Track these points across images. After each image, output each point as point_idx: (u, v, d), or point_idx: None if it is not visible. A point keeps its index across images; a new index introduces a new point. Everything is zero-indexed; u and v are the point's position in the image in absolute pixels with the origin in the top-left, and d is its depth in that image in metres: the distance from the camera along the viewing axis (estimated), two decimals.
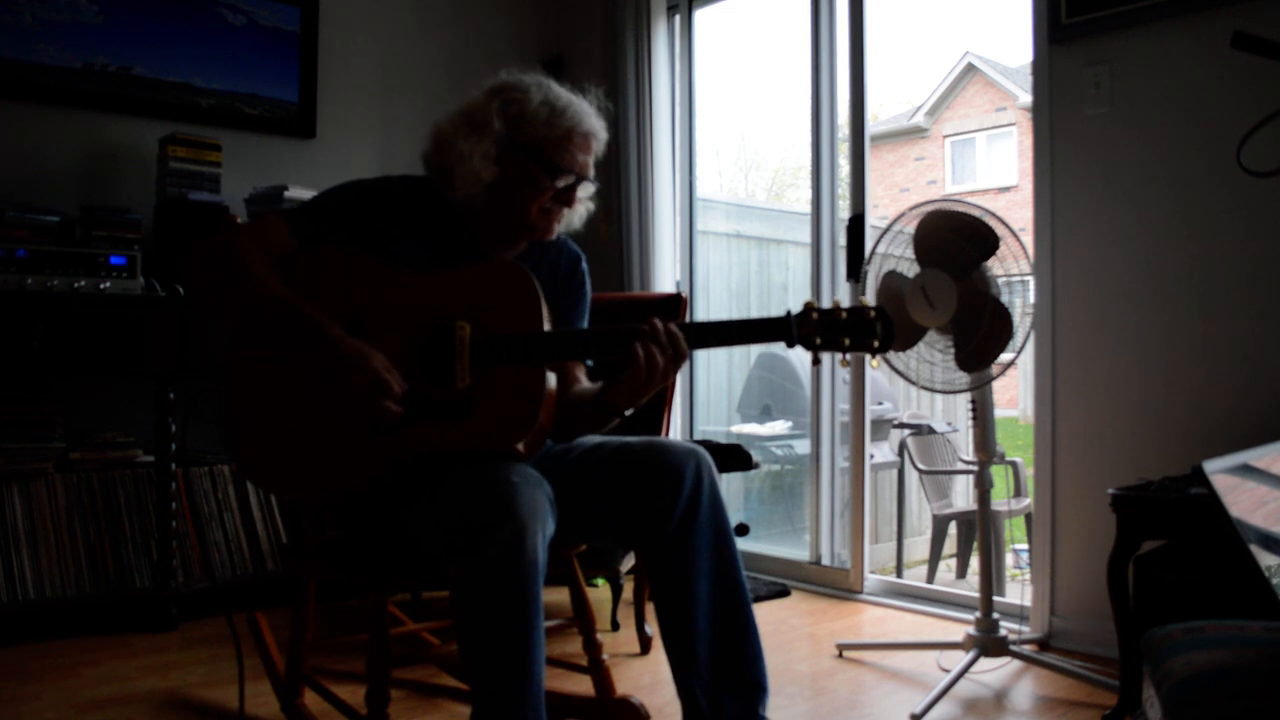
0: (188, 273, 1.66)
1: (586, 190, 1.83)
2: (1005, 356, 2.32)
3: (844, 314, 1.58)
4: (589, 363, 1.89)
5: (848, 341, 1.57)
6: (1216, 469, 1.21)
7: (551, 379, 1.62)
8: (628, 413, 1.67)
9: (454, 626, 1.59)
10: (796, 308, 1.60)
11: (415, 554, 1.69)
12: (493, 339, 1.59)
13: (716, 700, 1.64)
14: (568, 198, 1.76)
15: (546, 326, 1.64)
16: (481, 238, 1.80)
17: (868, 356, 1.60)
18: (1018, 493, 4.48)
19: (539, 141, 1.72)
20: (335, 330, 1.57)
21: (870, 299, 2.43)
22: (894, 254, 2.44)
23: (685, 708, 1.68)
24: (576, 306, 1.90)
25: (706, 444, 3.35)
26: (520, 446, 1.58)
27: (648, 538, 1.66)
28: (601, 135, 1.80)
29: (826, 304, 1.62)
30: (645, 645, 2.61)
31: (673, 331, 1.58)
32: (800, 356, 4.34)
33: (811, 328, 1.58)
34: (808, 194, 3.42)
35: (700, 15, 3.76)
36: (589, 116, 1.77)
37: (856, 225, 3.14)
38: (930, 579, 4.60)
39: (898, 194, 14.89)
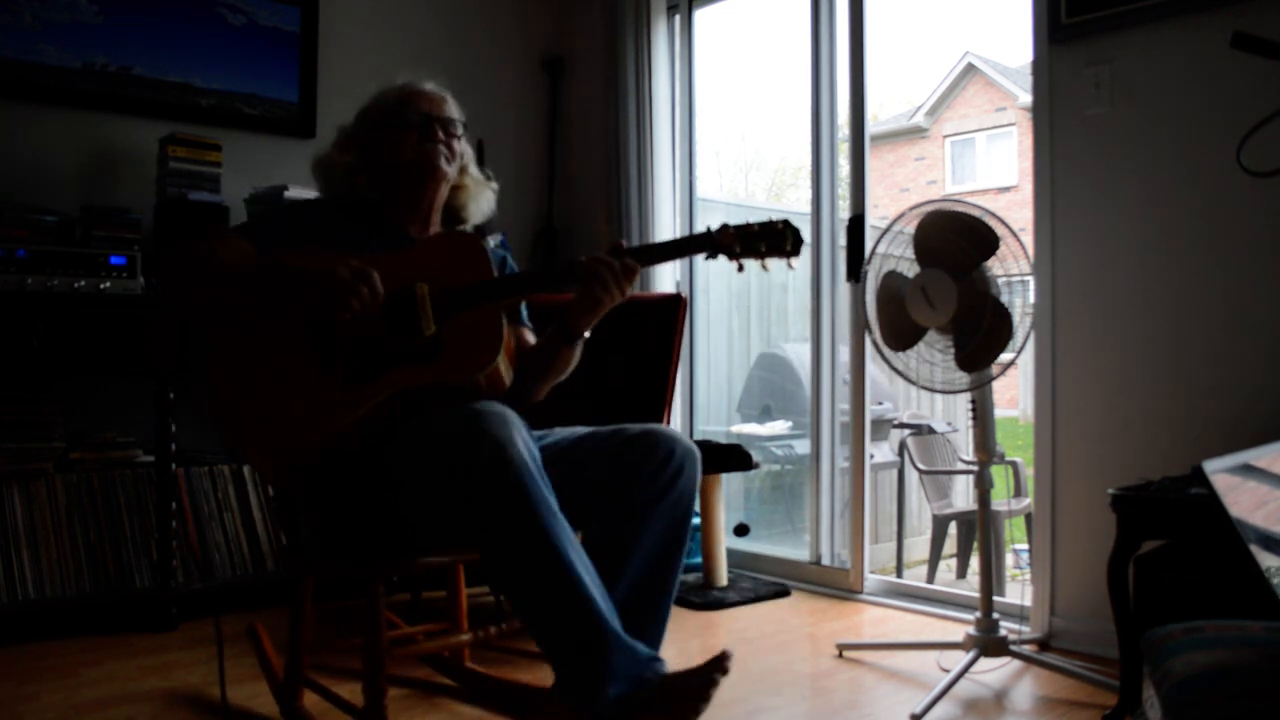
0: (162, 275, 1.79)
1: (463, 149, 1.98)
2: (1005, 356, 2.32)
3: (756, 228, 1.79)
4: (529, 325, 2.03)
5: (764, 248, 1.79)
6: (1217, 469, 1.21)
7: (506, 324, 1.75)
8: (586, 335, 1.83)
9: (488, 579, 1.71)
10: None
11: (408, 535, 1.74)
12: (450, 291, 1.73)
13: None
14: (430, 131, 1.91)
15: (496, 274, 1.80)
16: (404, 223, 1.94)
17: (785, 261, 1.81)
18: (1018, 493, 4.49)
19: (381, 111, 1.96)
20: (300, 259, 1.69)
21: (870, 299, 2.44)
22: (894, 254, 2.44)
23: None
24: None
25: (706, 444, 3.36)
26: (487, 375, 1.72)
27: (616, 498, 1.70)
28: (440, 93, 1.99)
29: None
30: None
31: (625, 260, 1.76)
32: (800, 356, 4.34)
33: (730, 239, 1.78)
34: (808, 194, 3.42)
35: (700, 15, 3.76)
36: (422, 83, 1.99)
37: (856, 225, 3.14)
38: (930, 579, 4.60)
39: (898, 194, 14.89)
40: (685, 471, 1.72)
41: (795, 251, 1.81)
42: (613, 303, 1.77)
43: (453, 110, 1.99)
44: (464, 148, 2.01)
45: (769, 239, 1.79)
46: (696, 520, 3.22)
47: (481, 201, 2.05)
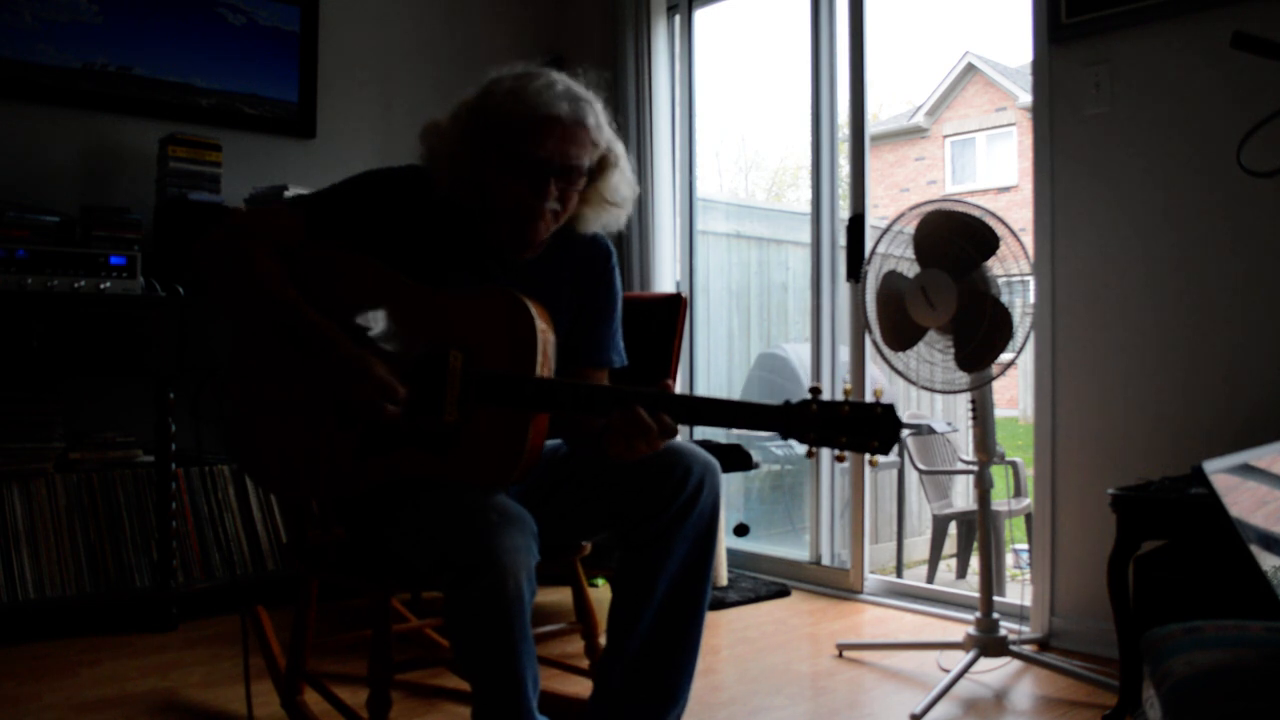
0: (195, 260, 1.65)
1: (611, 183, 1.72)
2: (1005, 356, 2.32)
3: (847, 409, 1.42)
4: (616, 361, 1.85)
5: (844, 440, 1.42)
6: (1216, 469, 1.21)
7: (539, 421, 1.59)
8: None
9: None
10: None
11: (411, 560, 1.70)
12: (484, 376, 1.55)
13: (628, 689, 1.66)
14: (542, 190, 1.62)
15: (540, 368, 1.58)
16: (490, 234, 1.71)
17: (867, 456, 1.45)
18: (1018, 493, 4.49)
19: (501, 130, 1.61)
20: (337, 336, 1.57)
21: (870, 299, 2.44)
22: (894, 254, 2.44)
23: (598, 682, 1.70)
24: (605, 309, 1.83)
25: (706, 444, 3.36)
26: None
27: (635, 524, 1.65)
28: (577, 120, 1.63)
29: (837, 394, 1.57)
30: None
31: (664, 420, 1.50)
32: (800, 356, 4.34)
33: (807, 422, 1.44)
34: (808, 194, 3.42)
35: (700, 15, 3.76)
36: (559, 101, 1.61)
37: (856, 225, 3.14)
38: (930, 579, 4.60)
39: (898, 194, 14.89)
40: (705, 488, 1.64)
41: (884, 449, 1.42)
42: (647, 453, 1.54)
43: (585, 149, 1.65)
44: (611, 161, 1.70)
45: (856, 428, 1.41)
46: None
47: (604, 219, 1.76)
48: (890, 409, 1.42)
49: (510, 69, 1.69)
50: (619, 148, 1.74)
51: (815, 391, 1.46)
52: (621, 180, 1.74)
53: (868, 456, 1.42)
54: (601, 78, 1.74)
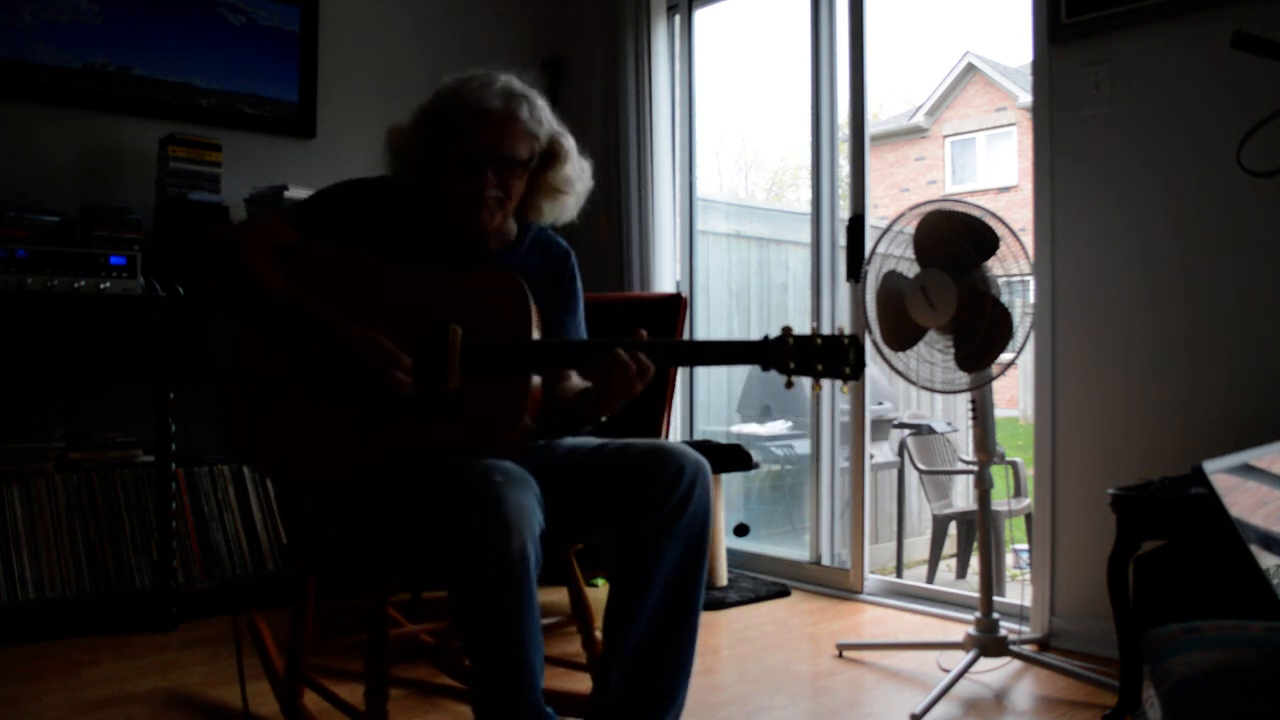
0: (191, 268, 1.70)
1: (562, 174, 1.81)
2: (1005, 356, 2.32)
3: (819, 340, 1.63)
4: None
5: (820, 368, 1.63)
6: (1216, 469, 1.21)
7: (536, 380, 1.66)
8: (603, 419, 1.74)
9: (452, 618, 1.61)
10: (775, 331, 1.67)
11: (410, 553, 1.70)
12: (482, 344, 1.64)
13: (626, 688, 1.67)
14: (480, 178, 1.72)
15: (535, 334, 1.67)
16: (465, 231, 1.80)
17: (839, 383, 1.65)
18: (1018, 493, 4.48)
19: (444, 126, 1.75)
20: (337, 319, 1.61)
21: (870, 299, 2.44)
22: (894, 254, 2.44)
23: (596, 684, 1.71)
24: (570, 302, 1.94)
25: (706, 444, 3.36)
26: (506, 443, 1.64)
27: (628, 523, 1.66)
28: (509, 113, 1.73)
29: (805, 329, 1.66)
30: None
31: (639, 358, 1.63)
32: None
33: (787, 353, 1.63)
34: (808, 194, 3.42)
35: (700, 15, 3.76)
36: (492, 97, 1.73)
37: (856, 225, 3.14)
38: (930, 579, 4.60)
39: (898, 194, 14.88)
40: (697, 488, 1.67)
41: (855, 375, 1.64)
42: (627, 399, 1.65)
43: (520, 140, 1.75)
44: (559, 153, 1.81)
45: (829, 357, 1.62)
46: None
47: (558, 209, 1.88)
48: (855, 339, 1.64)
49: (462, 73, 1.81)
50: (567, 141, 1.85)
51: (787, 329, 1.64)
52: (573, 171, 1.85)
53: (839, 384, 1.62)
54: (551, 82, 1.82)
